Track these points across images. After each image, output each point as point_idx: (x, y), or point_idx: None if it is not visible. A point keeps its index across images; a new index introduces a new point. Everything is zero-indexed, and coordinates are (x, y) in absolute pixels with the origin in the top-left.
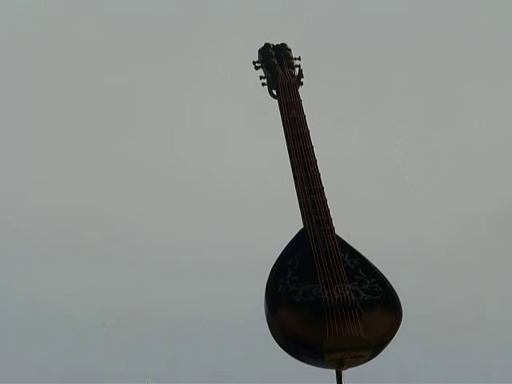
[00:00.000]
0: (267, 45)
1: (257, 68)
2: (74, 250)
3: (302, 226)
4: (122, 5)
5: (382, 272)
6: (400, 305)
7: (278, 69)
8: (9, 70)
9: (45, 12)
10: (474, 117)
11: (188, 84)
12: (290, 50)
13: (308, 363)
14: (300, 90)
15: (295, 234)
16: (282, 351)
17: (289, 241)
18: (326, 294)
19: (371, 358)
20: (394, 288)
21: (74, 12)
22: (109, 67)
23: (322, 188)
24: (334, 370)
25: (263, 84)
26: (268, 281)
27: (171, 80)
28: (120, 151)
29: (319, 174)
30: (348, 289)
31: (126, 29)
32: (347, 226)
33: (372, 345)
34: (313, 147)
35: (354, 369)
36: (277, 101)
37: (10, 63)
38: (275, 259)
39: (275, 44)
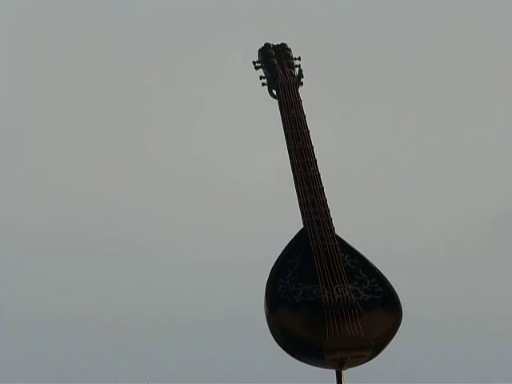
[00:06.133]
0: (267, 45)
1: (257, 68)
2: (74, 248)
3: (302, 226)
4: (126, 7)
5: (382, 271)
6: (400, 305)
7: (278, 69)
8: (10, 70)
9: (54, 12)
10: (474, 117)
11: (189, 84)
12: (289, 49)
13: (308, 363)
14: (300, 90)
15: (295, 234)
16: (282, 351)
17: (289, 241)
18: (326, 294)
19: (371, 358)
20: (394, 287)
21: (83, 13)
22: (112, 67)
23: (322, 188)
24: (334, 370)
25: (263, 84)
26: (268, 281)
27: (172, 81)
28: (121, 149)
29: (319, 174)
30: (348, 289)
31: (129, 30)
32: (347, 225)
33: (372, 345)
34: (313, 147)
35: (353, 369)
36: (277, 101)
37: (13, 63)
38: (275, 259)
39: (275, 44)
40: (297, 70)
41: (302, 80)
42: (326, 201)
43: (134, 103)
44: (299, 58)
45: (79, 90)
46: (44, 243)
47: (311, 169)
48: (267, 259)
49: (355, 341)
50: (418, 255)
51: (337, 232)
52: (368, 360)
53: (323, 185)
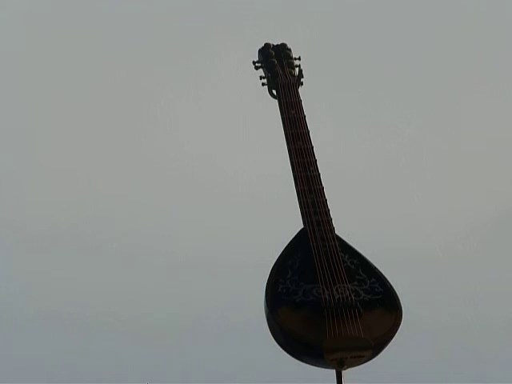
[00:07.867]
0: (267, 45)
1: (257, 68)
2: (74, 247)
3: (302, 226)
4: (126, 7)
5: (382, 271)
6: (400, 305)
7: (278, 69)
8: (10, 70)
9: (54, 12)
10: (474, 116)
11: (188, 84)
12: (289, 49)
13: (308, 363)
14: (300, 90)
15: (295, 233)
16: (282, 351)
17: (289, 241)
18: (326, 294)
19: (371, 358)
20: (394, 287)
21: (83, 13)
22: (112, 67)
23: (322, 188)
24: (334, 370)
25: (263, 84)
26: (268, 281)
27: (172, 80)
28: (121, 149)
29: (319, 174)
30: (348, 289)
31: (129, 29)
32: (347, 225)
33: (372, 345)
34: (313, 147)
35: (353, 369)
36: (277, 101)
37: (13, 62)
38: (275, 259)
39: (275, 44)
40: (297, 69)
41: (302, 80)
42: (326, 201)
43: (134, 103)
44: (299, 58)
45: (79, 91)
46: (45, 242)
47: (311, 169)
48: (267, 259)
49: (355, 341)
50: (418, 255)
51: (337, 232)
52: (368, 360)
53: (323, 185)
